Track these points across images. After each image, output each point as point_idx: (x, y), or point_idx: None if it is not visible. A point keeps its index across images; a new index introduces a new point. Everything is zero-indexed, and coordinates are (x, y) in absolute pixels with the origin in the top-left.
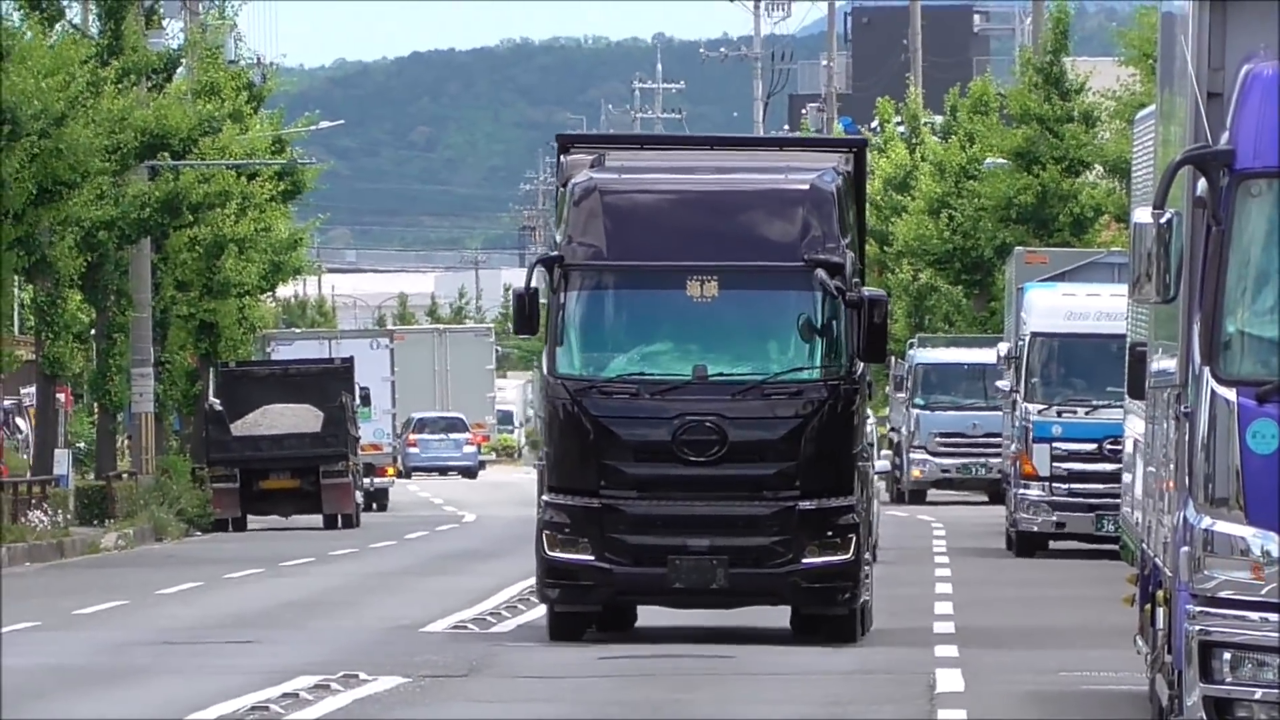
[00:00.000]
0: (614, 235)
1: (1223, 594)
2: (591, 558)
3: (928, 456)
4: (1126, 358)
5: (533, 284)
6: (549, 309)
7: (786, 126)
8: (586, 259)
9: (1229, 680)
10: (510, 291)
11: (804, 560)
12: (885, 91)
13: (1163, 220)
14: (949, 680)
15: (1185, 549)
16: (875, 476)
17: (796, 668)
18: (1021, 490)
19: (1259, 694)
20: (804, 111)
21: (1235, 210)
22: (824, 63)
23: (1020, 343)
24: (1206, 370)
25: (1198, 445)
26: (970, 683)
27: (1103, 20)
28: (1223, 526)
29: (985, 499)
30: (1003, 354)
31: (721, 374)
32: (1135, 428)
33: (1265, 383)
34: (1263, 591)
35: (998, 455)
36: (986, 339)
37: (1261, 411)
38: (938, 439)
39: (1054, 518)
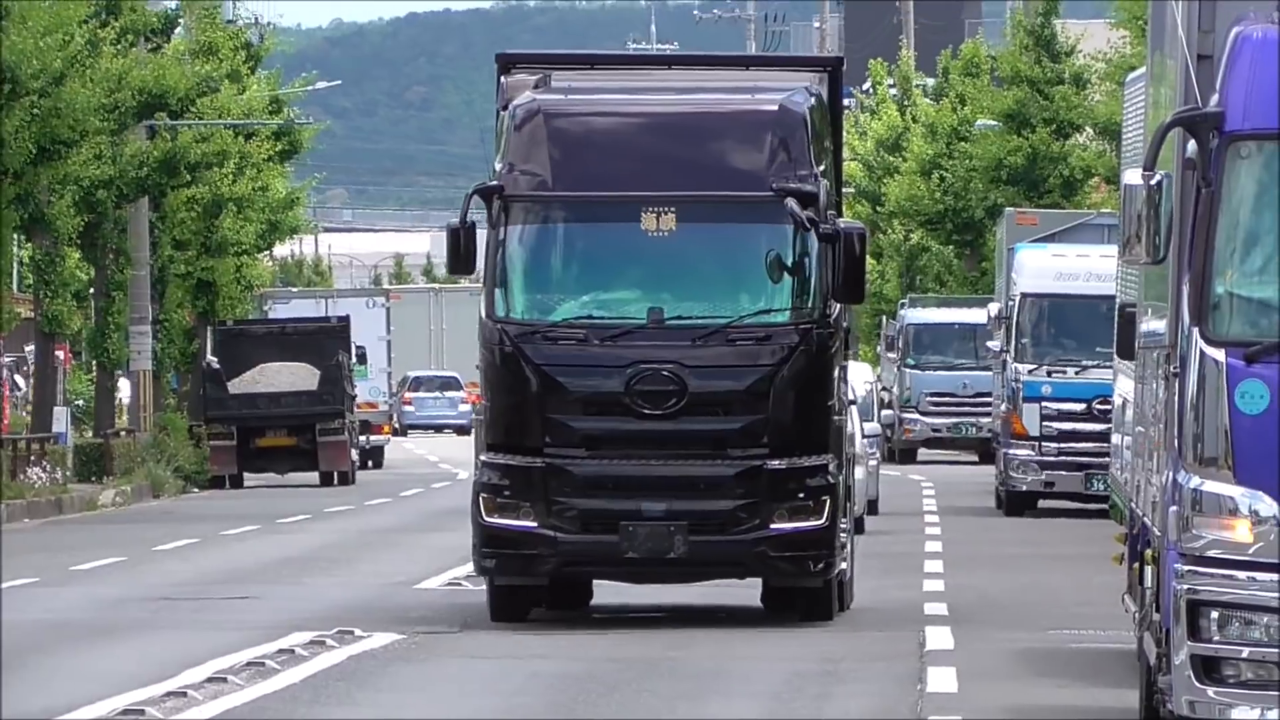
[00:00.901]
0: (559, 163)
1: (1211, 553)
2: (534, 524)
3: (918, 416)
4: (1116, 318)
5: (468, 217)
6: (487, 245)
7: None
8: (528, 189)
9: (1217, 639)
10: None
11: (772, 526)
12: (877, 53)
13: (1153, 182)
14: (939, 638)
15: (1174, 508)
16: (871, 436)
17: (789, 623)
18: (1011, 450)
19: (1246, 652)
20: None
21: (1225, 171)
22: (816, 24)
23: (1010, 303)
24: (1195, 331)
25: (1186, 405)
26: (960, 640)
27: None
28: (1211, 486)
29: (975, 458)
30: (993, 314)
31: (680, 317)
32: (1124, 388)
33: (1254, 343)
34: (1251, 551)
35: (988, 415)
36: (977, 299)
37: (1250, 372)
38: (928, 398)
39: (1043, 477)
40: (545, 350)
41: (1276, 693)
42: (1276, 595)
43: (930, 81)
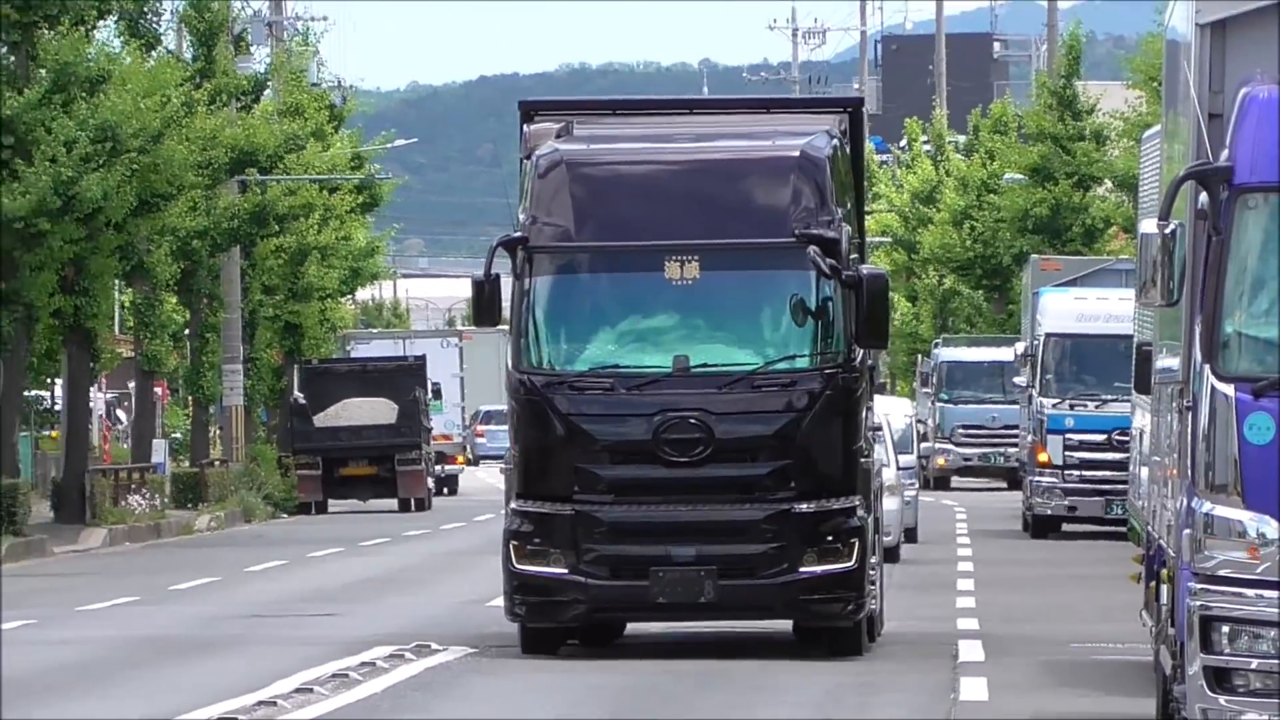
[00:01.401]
0: (582, 213)
1: (1222, 572)
2: (564, 570)
3: (951, 446)
4: (1133, 356)
5: (492, 269)
6: (513, 296)
7: None
8: (552, 240)
9: (1227, 651)
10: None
11: (802, 569)
12: (913, 112)
13: (1167, 230)
14: (970, 651)
15: (1187, 531)
16: (907, 468)
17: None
18: (1037, 477)
19: (1255, 664)
20: None
21: (1234, 221)
22: (856, 86)
23: (1035, 342)
24: (1207, 368)
25: (1199, 436)
26: (990, 653)
27: (1111, 47)
28: (1222, 511)
29: (1004, 485)
30: (1019, 352)
31: (705, 364)
32: (1141, 420)
33: (1261, 379)
34: (1259, 570)
35: (1015, 445)
36: (1005, 339)
37: (1257, 405)
38: (960, 430)
39: (1066, 502)
40: (572, 399)
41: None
42: (1277, 613)
43: (961, 138)
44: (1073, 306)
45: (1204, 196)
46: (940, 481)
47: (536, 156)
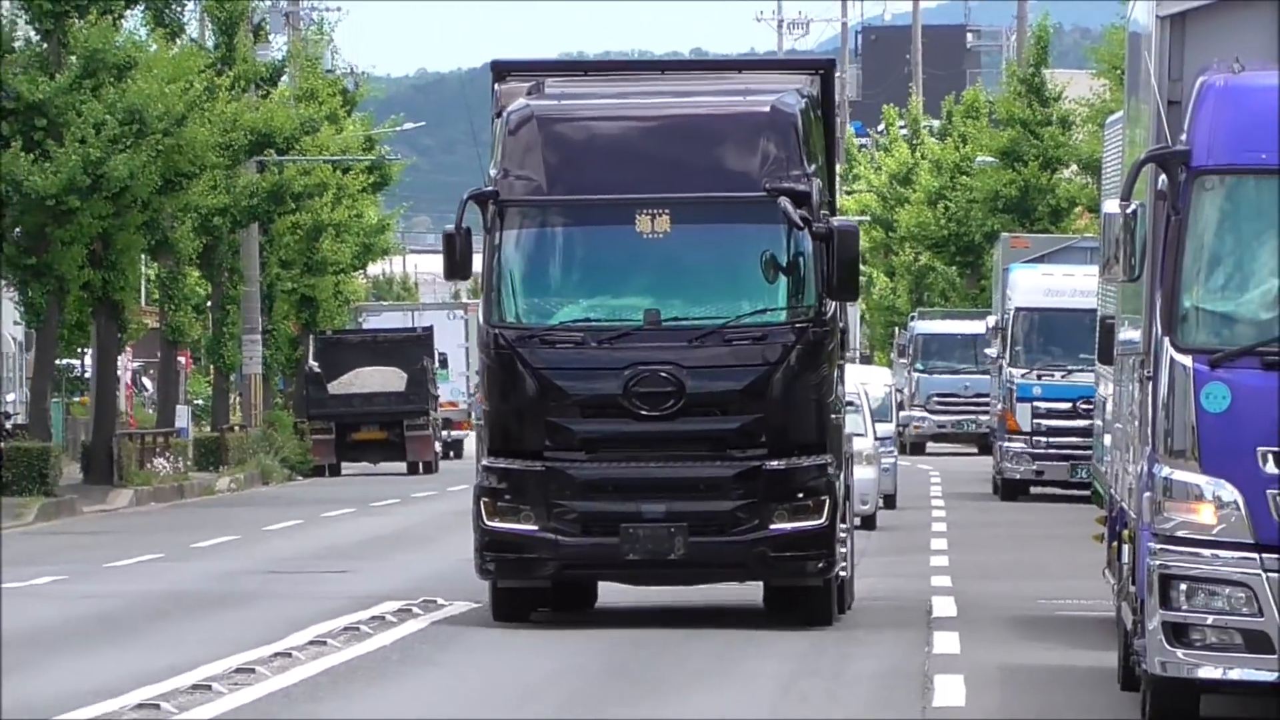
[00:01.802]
0: (553, 167)
1: (1180, 534)
2: (535, 528)
3: (926, 414)
4: (1097, 329)
5: (463, 223)
6: (484, 251)
7: None
8: (523, 194)
9: (1185, 608)
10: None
11: (772, 526)
12: (891, 99)
13: (1129, 210)
14: (944, 607)
15: (1147, 494)
16: (884, 437)
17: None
18: (1006, 443)
19: (1210, 620)
20: None
21: (1191, 202)
22: (838, 74)
23: (1006, 316)
24: (1166, 340)
25: (1158, 404)
26: (962, 609)
27: (1078, 38)
28: (1180, 475)
29: (975, 450)
30: (991, 326)
31: (676, 318)
32: (1105, 389)
33: (1217, 350)
34: (1214, 531)
35: (986, 413)
36: (977, 312)
37: (1213, 375)
38: (935, 399)
39: (1034, 467)
40: (542, 354)
41: (1237, 654)
42: (1236, 570)
43: (936, 123)
44: (1040, 282)
45: (1163, 178)
46: (916, 447)
47: (508, 112)
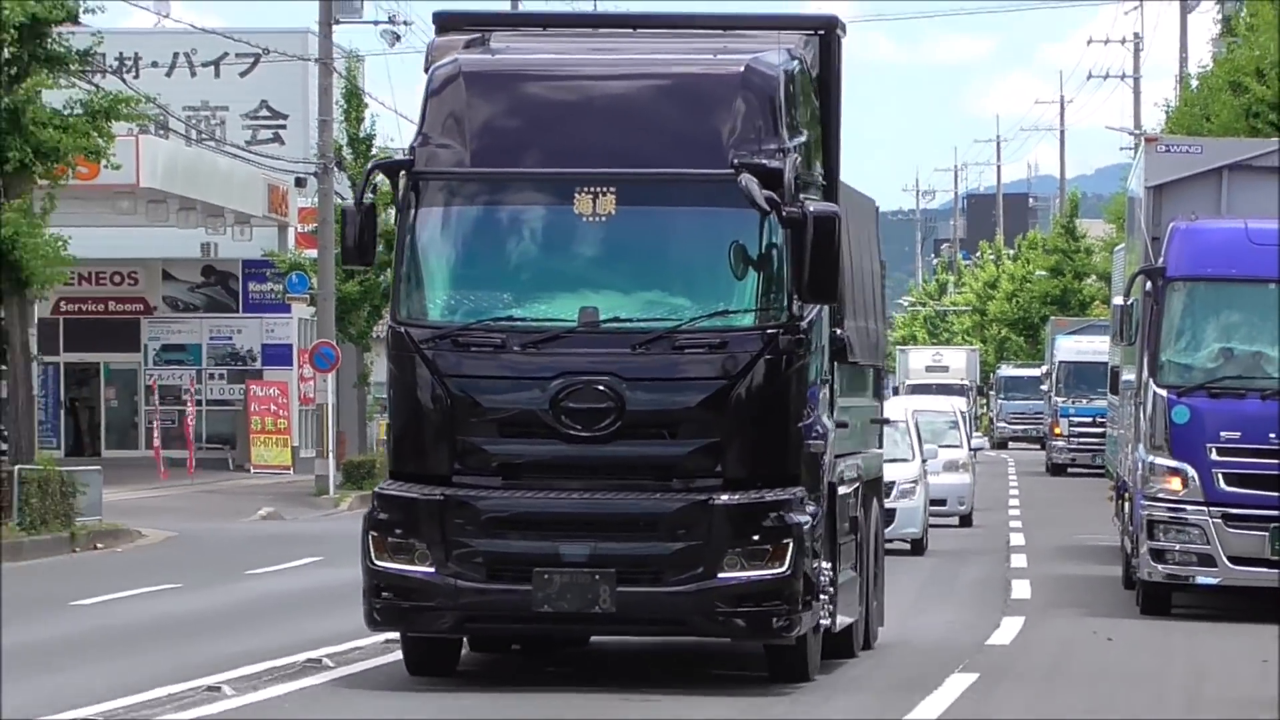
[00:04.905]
0: (480, 135)
1: (1159, 495)
2: (430, 570)
3: (1005, 424)
4: (1108, 373)
5: (367, 197)
6: (396, 232)
7: (934, 257)
8: (441, 166)
9: (1162, 540)
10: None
11: (720, 575)
12: (984, 236)
13: (1128, 303)
14: (1016, 539)
15: (1139, 471)
16: (977, 448)
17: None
18: (1053, 441)
19: (1177, 547)
20: (941, 248)
21: (1165, 298)
22: (951, 222)
23: (1053, 366)
24: (1150, 380)
25: (1145, 418)
26: (1028, 540)
27: (1095, 200)
28: (1159, 460)
29: (1037, 447)
30: (1044, 371)
31: (618, 319)
32: (1113, 409)
33: (1180, 387)
34: (1180, 494)
35: (1042, 423)
36: (1036, 364)
37: (1179, 401)
38: (1011, 415)
39: (1070, 456)
40: (454, 358)
41: (1194, 568)
42: (1193, 517)
43: (1010, 251)
44: (1075, 345)
45: (1149, 284)
46: (1000, 444)
47: (433, 68)
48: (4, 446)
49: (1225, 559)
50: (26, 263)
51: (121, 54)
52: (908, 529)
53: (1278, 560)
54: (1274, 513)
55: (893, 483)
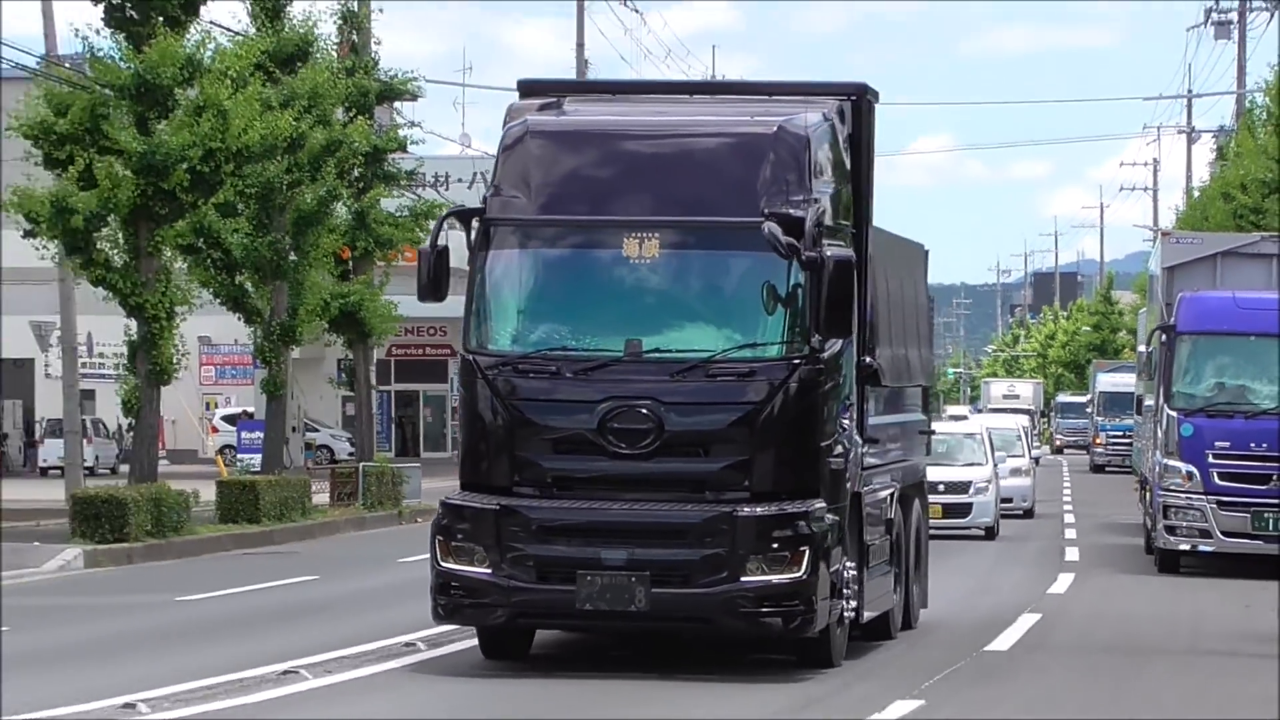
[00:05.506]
0: (540, 185)
1: (1171, 487)
2: (488, 571)
3: (1062, 437)
4: (1135, 400)
5: (440, 241)
6: (469, 272)
7: (1010, 318)
8: (506, 213)
9: (1174, 519)
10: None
11: (744, 579)
12: (1045, 302)
13: (1149, 350)
14: (1069, 519)
15: (1157, 469)
16: (1037, 456)
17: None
18: (1095, 448)
19: (1184, 524)
20: (1014, 310)
21: (1175, 347)
22: (1022, 292)
23: (1095, 395)
24: (1165, 404)
25: (1161, 432)
26: (1077, 520)
27: (1127, 276)
28: (1171, 462)
29: (1084, 452)
30: (1089, 399)
31: (659, 350)
32: (1138, 425)
33: (1186, 410)
34: (1187, 486)
35: (1087, 436)
36: (1084, 393)
37: (1186, 419)
38: (1065, 429)
39: (1107, 459)
40: (514, 383)
41: (1196, 539)
42: (1196, 503)
43: (1064, 312)
44: (1112, 380)
45: (1164, 337)
46: (1058, 450)
47: (506, 128)
48: (354, 450)
49: (1219, 533)
50: (368, 321)
51: (436, 173)
52: (982, 519)
53: (1257, 534)
54: (1254, 500)
55: (970, 482)
